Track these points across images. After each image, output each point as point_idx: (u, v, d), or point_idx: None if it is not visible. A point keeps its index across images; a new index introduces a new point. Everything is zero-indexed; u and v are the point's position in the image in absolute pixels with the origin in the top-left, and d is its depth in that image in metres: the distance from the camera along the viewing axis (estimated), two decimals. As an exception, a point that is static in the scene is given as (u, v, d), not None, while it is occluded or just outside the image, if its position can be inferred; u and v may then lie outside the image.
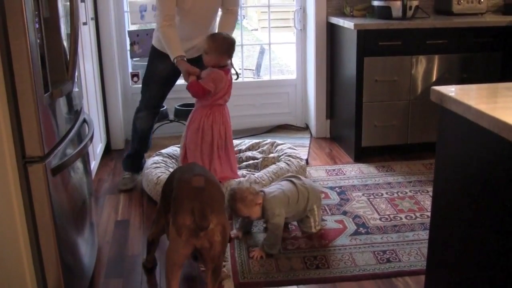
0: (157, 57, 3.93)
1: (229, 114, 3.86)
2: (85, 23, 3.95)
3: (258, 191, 3.22)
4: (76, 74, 2.79)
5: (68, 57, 2.59)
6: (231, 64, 3.76)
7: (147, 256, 3.00)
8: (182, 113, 4.82)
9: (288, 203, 3.20)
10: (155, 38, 3.95)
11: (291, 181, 3.34)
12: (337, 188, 3.95)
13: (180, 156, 3.90)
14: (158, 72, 3.96)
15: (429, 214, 3.36)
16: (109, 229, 3.49)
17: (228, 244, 3.11)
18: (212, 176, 2.67)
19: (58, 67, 2.48)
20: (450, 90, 1.97)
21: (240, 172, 4.00)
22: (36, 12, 2.20)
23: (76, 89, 2.80)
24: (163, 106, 4.72)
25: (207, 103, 3.70)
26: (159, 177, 3.77)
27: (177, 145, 4.37)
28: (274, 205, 3.16)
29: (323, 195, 3.62)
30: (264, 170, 3.91)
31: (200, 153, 3.71)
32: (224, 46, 3.62)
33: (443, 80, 4.43)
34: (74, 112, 2.77)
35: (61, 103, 2.50)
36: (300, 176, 3.49)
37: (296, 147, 4.46)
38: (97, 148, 4.29)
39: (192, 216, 2.32)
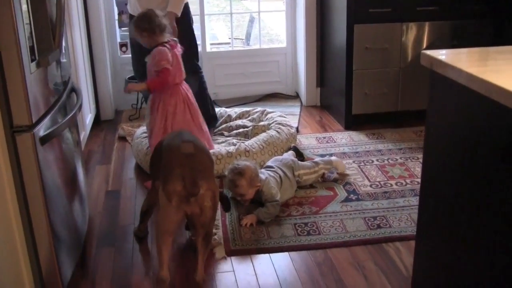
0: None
1: (188, 89, 3.68)
2: (71, -8, 3.90)
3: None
4: (64, 43, 2.76)
5: (55, 25, 2.56)
6: (173, 38, 3.58)
7: (140, 225, 3.00)
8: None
9: (277, 182, 3.30)
10: (128, 4, 4.02)
11: (267, 170, 3.43)
12: (327, 156, 3.95)
13: (150, 145, 3.64)
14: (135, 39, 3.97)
15: (419, 180, 3.37)
16: (100, 199, 3.49)
17: (219, 212, 3.13)
18: (200, 142, 2.66)
19: (45, 36, 2.45)
20: (441, 54, 1.96)
21: (230, 141, 4.00)
22: (21, -21, 2.16)
23: (63, 59, 2.77)
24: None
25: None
26: (148, 147, 3.76)
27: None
28: (270, 186, 3.23)
29: (292, 159, 3.62)
30: (255, 138, 3.91)
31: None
32: (140, 25, 3.46)
33: (434, 47, 4.40)
34: (62, 81, 2.74)
35: (49, 72, 2.48)
36: (266, 168, 3.50)
37: (286, 116, 4.45)
38: (86, 119, 4.27)
39: (182, 182, 2.32)
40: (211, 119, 4.33)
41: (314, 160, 3.65)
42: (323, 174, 3.55)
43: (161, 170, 2.46)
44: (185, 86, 3.65)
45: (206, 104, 4.28)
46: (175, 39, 3.58)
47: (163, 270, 2.44)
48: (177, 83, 3.55)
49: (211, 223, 2.47)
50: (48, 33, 2.49)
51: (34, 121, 2.21)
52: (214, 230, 2.88)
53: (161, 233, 2.44)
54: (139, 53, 3.98)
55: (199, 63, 4.35)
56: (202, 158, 2.50)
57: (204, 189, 2.36)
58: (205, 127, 3.73)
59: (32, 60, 2.23)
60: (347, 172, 3.69)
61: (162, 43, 3.46)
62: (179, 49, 3.54)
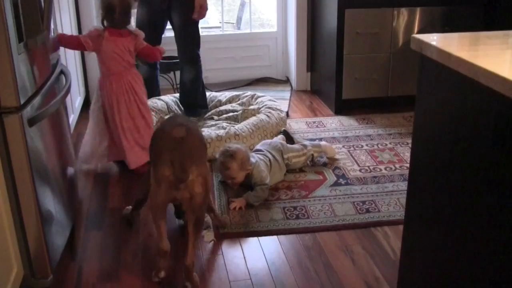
0: (139, 2, 3.98)
1: (137, 81, 3.54)
2: (60, -28, 3.85)
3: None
4: (52, 25, 2.73)
5: (43, 7, 2.53)
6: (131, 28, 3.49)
7: (133, 211, 2.98)
8: (162, 66, 4.74)
9: (267, 166, 3.32)
10: None
11: (257, 153, 3.44)
12: (317, 140, 3.95)
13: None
14: (140, 17, 3.98)
15: (408, 165, 3.39)
16: (89, 182, 3.48)
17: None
18: (194, 126, 2.58)
19: (33, 16, 2.42)
20: (431, 38, 1.96)
21: (220, 124, 3.99)
22: (8, -42, 2.12)
23: (52, 40, 2.75)
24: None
25: (104, 72, 3.48)
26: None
27: (157, 97, 4.33)
28: (260, 170, 3.24)
29: (281, 142, 3.62)
30: (244, 122, 3.90)
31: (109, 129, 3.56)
32: (102, 7, 3.39)
33: (425, 33, 4.36)
34: (51, 63, 2.71)
35: (37, 53, 2.45)
36: (255, 151, 3.51)
37: (276, 100, 4.44)
38: (75, 102, 4.24)
39: (171, 167, 2.29)
40: (200, 108, 4.35)
41: (303, 143, 3.65)
42: (312, 156, 3.56)
43: (151, 153, 2.45)
44: (132, 77, 3.49)
45: (196, 94, 4.31)
46: (136, 33, 3.46)
47: (163, 242, 2.46)
48: (119, 71, 3.44)
49: (202, 208, 2.44)
50: (36, 14, 2.46)
51: (22, 102, 2.18)
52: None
53: (154, 209, 2.45)
54: (148, 29, 3.84)
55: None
56: (193, 142, 2.41)
57: (194, 175, 2.33)
58: (152, 123, 3.62)
59: (20, 41, 2.20)
60: (337, 156, 3.70)
61: (111, 26, 3.40)
62: (130, 42, 3.42)
